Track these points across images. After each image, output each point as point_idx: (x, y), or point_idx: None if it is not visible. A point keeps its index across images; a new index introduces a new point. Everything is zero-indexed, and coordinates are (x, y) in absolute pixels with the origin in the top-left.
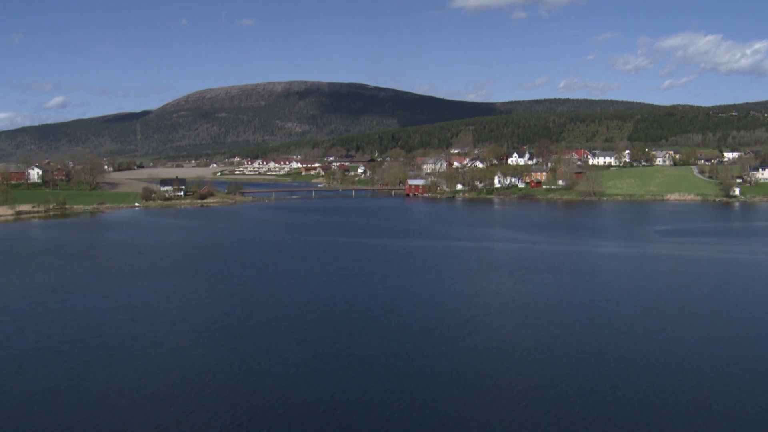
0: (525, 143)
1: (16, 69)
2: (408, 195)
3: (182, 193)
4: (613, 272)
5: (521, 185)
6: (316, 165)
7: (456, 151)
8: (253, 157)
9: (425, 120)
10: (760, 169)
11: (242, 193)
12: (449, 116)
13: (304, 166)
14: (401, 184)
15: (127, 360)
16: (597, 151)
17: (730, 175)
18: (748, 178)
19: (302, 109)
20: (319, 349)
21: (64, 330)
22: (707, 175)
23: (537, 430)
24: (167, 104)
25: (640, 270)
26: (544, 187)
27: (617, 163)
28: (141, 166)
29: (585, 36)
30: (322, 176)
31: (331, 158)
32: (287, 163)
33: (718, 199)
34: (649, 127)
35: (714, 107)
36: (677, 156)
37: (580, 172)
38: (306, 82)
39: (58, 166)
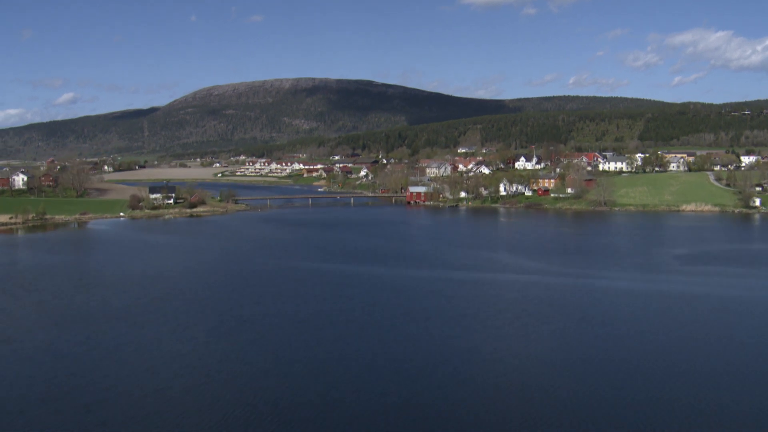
0: (533, 142)
1: (26, 65)
2: (409, 203)
3: (172, 200)
4: (633, 320)
5: (528, 193)
6: (319, 167)
7: (463, 150)
8: (259, 156)
9: (433, 117)
10: None
11: (235, 201)
12: (457, 113)
13: (306, 167)
14: (403, 191)
15: None
16: (608, 153)
17: (749, 183)
18: None
19: (310, 106)
20: None
21: None
22: (724, 182)
23: None
24: (175, 101)
25: (665, 317)
26: (552, 195)
27: (629, 169)
28: (142, 167)
29: (595, 32)
30: (324, 179)
31: (336, 157)
32: (289, 164)
33: (737, 210)
34: (660, 126)
35: (725, 105)
36: (690, 158)
37: (590, 179)
38: (314, 79)
39: (46, 172)
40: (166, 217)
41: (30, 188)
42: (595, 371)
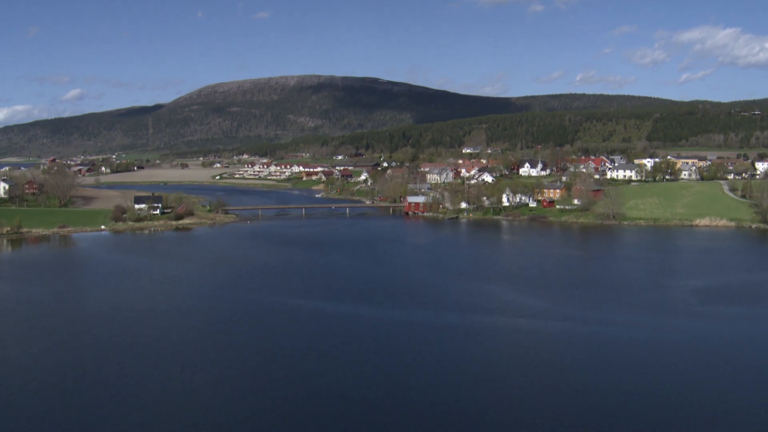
0: (539, 142)
1: (33, 62)
2: (407, 213)
3: (158, 211)
4: (655, 391)
5: (532, 204)
6: (318, 169)
7: (468, 150)
8: (262, 154)
9: (439, 115)
10: None
11: (225, 211)
12: (464, 111)
13: (306, 170)
14: (402, 199)
15: None
16: (615, 157)
17: (765, 195)
18: None
19: (315, 103)
20: None
21: None
22: (739, 193)
23: None
24: (179, 98)
25: (692, 384)
26: (557, 207)
27: (639, 177)
28: (141, 167)
29: (602, 29)
30: (323, 182)
31: (340, 156)
32: (288, 167)
33: (754, 226)
34: (668, 126)
35: (733, 103)
36: (701, 162)
37: (597, 190)
38: (319, 76)
39: (30, 178)
40: (148, 231)
41: (11, 197)
42: None
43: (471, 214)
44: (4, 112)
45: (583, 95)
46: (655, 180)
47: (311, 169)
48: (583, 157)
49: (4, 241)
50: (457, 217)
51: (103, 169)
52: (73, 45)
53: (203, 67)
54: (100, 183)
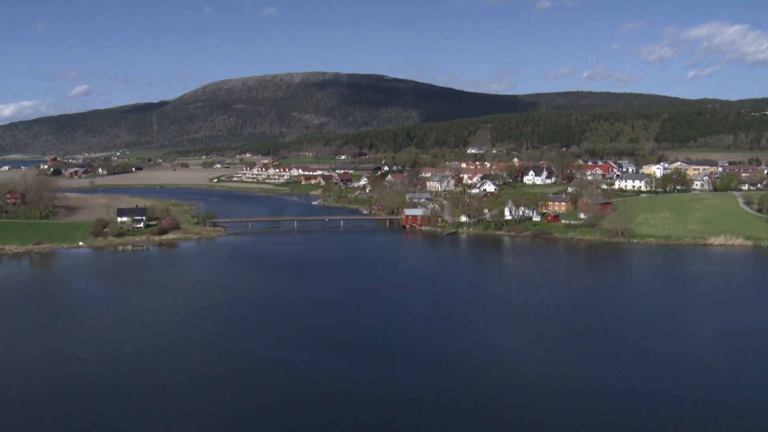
0: (545, 143)
1: (41, 57)
2: (404, 227)
3: (142, 224)
4: None
5: (536, 218)
6: (318, 173)
7: (473, 151)
8: (265, 153)
9: (445, 112)
10: None
11: (214, 223)
12: (470, 109)
13: (305, 174)
14: (400, 210)
15: None
16: (623, 161)
17: None
18: None
19: (320, 100)
20: None
21: None
22: (755, 207)
23: None
24: (184, 95)
25: None
26: (562, 221)
27: (648, 188)
28: (140, 168)
29: (609, 25)
30: (322, 187)
31: (343, 156)
32: (287, 170)
33: None
34: (676, 126)
35: (741, 101)
36: (712, 168)
37: (605, 203)
38: (324, 73)
39: (12, 187)
40: (132, 246)
41: None
42: None
43: (471, 229)
44: (11, 108)
45: (590, 93)
46: (665, 191)
47: (311, 173)
48: (590, 163)
49: None
50: (456, 232)
51: (101, 170)
52: (80, 41)
53: (210, 63)
54: (96, 186)
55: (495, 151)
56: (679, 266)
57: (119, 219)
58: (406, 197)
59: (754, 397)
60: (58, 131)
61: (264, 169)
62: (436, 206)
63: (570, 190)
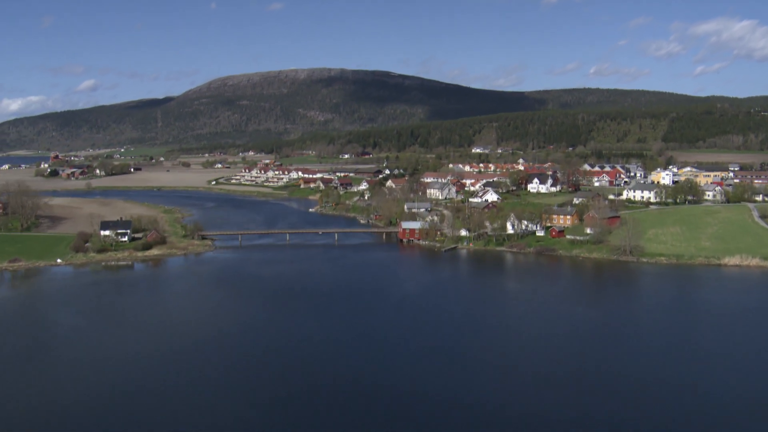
0: (551, 142)
1: (47, 52)
2: (402, 240)
3: (126, 238)
4: None
5: (540, 233)
6: (318, 175)
7: (478, 150)
8: (268, 151)
9: (451, 109)
10: None
11: (202, 236)
12: (476, 106)
13: (304, 177)
14: (399, 221)
15: None
16: (631, 166)
17: None
18: None
19: (325, 97)
20: None
21: None
22: None
23: None
24: (189, 91)
25: None
26: (567, 236)
27: (658, 198)
28: (138, 169)
29: (617, 21)
30: (321, 191)
31: (346, 155)
32: (287, 173)
33: None
34: (685, 126)
35: (750, 99)
36: (723, 174)
37: (613, 217)
38: (330, 69)
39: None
40: (113, 264)
41: None
42: None
43: (471, 244)
44: (18, 103)
45: (597, 90)
46: (676, 202)
47: (310, 175)
48: (597, 168)
49: None
50: (455, 248)
51: (98, 171)
52: (87, 36)
53: (216, 58)
54: (92, 188)
55: (500, 151)
56: (693, 292)
57: (102, 232)
58: (405, 207)
59: None
60: (62, 127)
61: (263, 172)
62: (435, 218)
63: (576, 201)
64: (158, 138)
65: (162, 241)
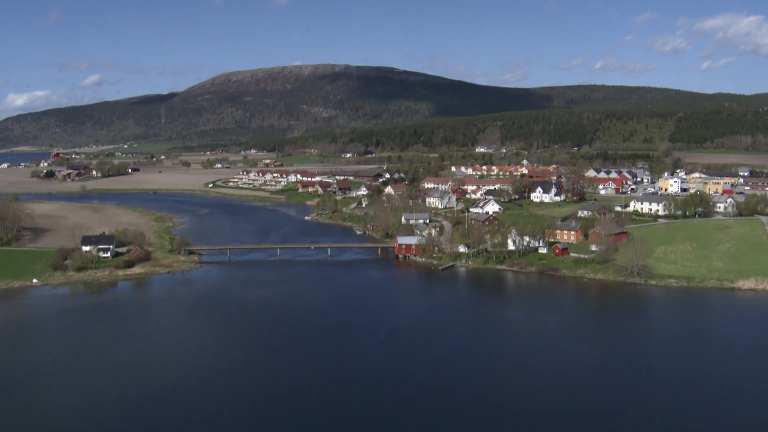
0: (556, 142)
1: (53, 47)
2: (397, 257)
3: (108, 254)
4: None
5: (542, 249)
6: (316, 179)
7: (482, 150)
8: (270, 149)
9: (456, 106)
10: None
11: (189, 251)
12: (481, 102)
13: (302, 180)
14: (396, 234)
15: None
16: (638, 170)
17: None
18: None
19: (329, 93)
20: None
21: None
22: None
23: None
24: (193, 87)
25: None
26: (571, 254)
27: (666, 211)
28: (136, 169)
29: (623, 16)
30: (319, 196)
31: (348, 154)
32: (285, 176)
33: None
34: (692, 126)
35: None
36: (732, 180)
37: (620, 233)
38: (334, 65)
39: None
40: (92, 284)
41: None
42: None
43: (470, 261)
44: (23, 98)
45: (603, 86)
46: (685, 215)
47: (309, 178)
48: (602, 174)
49: None
50: (453, 266)
51: (95, 172)
52: (92, 31)
53: (221, 53)
54: (86, 191)
55: (504, 150)
56: (706, 323)
57: (84, 248)
58: (403, 218)
59: None
60: (66, 123)
61: (261, 175)
62: (434, 231)
63: (580, 213)
64: (161, 134)
65: (146, 258)
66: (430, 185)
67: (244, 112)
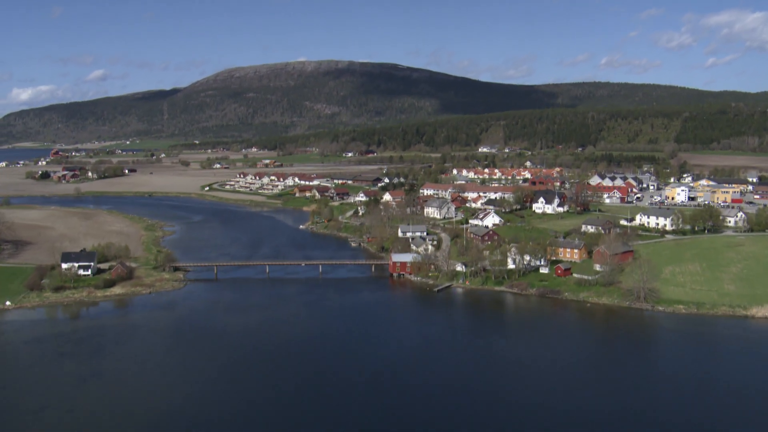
0: (560, 142)
1: (57, 42)
2: (392, 275)
3: (89, 271)
4: None
5: (544, 267)
6: (315, 182)
7: (485, 150)
8: (272, 148)
9: (460, 103)
10: None
11: (174, 268)
12: (485, 99)
13: (300, 184)
14: (391, 248)
15: None
16: (644, 176)
17: None
18: None
19: (332, 89)
20: None
21: None
22: None
23: None
24: (195, 83)
25: None
26: (574, 275)
27: (674, 226)
28: (133, 170)
29: (628, 12)
30: (315, 202)
31: (350, 153)
32: (282, 179)
33: None
34: (698, 126)
35: (764, 93)
36: (741, 188)
37: (626, 252)
38: (337, 61)
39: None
40: (69, 307)
41: None
42: None
43: (467, 282)
44: (28, 92)
45: (608, 84)
46: (694, 231)
47: (306, 182)
48: (608, 182)
49: None
50: (450, 286)
51: (90, 174)
52: (97, 25)
53: (226, 48)
54: (81, 193)
55: (507, 150)
56: (719, 365)
57: (64, 265)
58: (399, 231)
59: None
60: (68, 119)
61: (258, 178)
62: (431, 247)
63: (584, 228)
64: (164, 130)
65: (128, 276)
66: (430, 192)
67: (247, 108)
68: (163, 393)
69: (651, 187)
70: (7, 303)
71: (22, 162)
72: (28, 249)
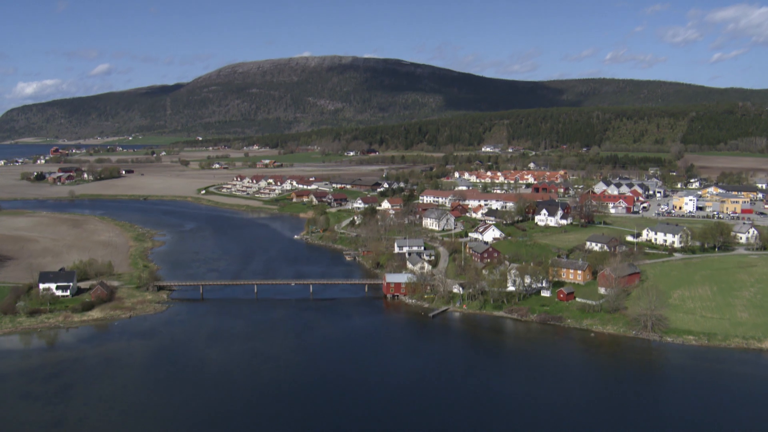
0: (564, 142)
1: (62, 37)
2: (386, 296)
3: (68, 292)
4: None
5: (546, 290)
6: (313, 186)
7: (488, 150)
8: (273, 146)
9: (464, 99)
10: None
11: (158, 287)
12: (489, 95)
13: (296, 189)
14: (386, 265)
15: None
16: (650, 183)
17: None
18: None
19: (336, 85)
20: None
21: None
22: None
23: None
24: (199, 78)
25: None
26: (578, 299)
27: (682, 243)
28: (130, 171)
29: (634, 7)
30: (313, 207)
31: (351, 153)
32: (279, 184)
33: None
34: (705, 127)
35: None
36: (752, 195)
37: (632, 274)
38: (341, 57)
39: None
40: (42, 332)
41: None
42: None
43: (465, 305)
44: (33, 87)
45: (613, 80)
46: (704, 249)
47: (304, 186)
48: (613, 191)
49: None
50: (446, 310)
51: (86, 175)
52: (101, 20)
53: (230, 42)
54: (75, 196)
55: (511, 150)
56: (733, 409)
57: (41, 285)
58: (395, 245)
59: None
60: (71, 114)
61: (255, 181)
62: (426, 268)
63: (588, 245)
64: (167, 126)
65: (108, 298)
66: (430, 199)
67: (250, 104)
68: None
69: (658, 194)
70: None
71: (21, 160)
72: (7, 265)
